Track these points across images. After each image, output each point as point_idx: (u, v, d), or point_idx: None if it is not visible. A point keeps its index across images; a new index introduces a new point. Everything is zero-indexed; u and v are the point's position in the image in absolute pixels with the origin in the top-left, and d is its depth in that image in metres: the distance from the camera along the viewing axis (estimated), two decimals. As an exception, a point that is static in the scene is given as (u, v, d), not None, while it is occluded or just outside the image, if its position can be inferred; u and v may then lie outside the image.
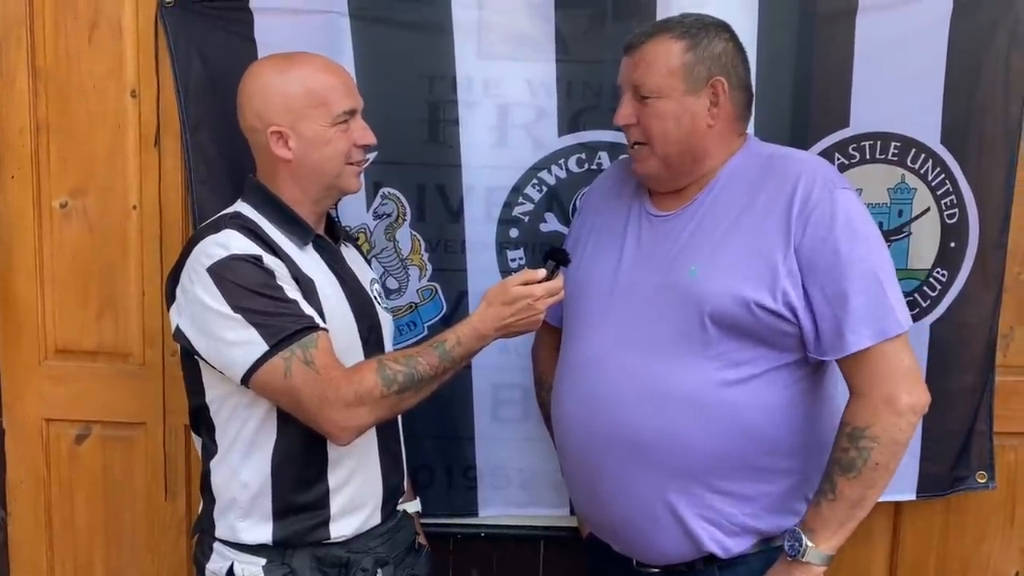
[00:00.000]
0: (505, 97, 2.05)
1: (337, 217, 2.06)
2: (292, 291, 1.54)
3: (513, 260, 2.11)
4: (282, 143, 1.60)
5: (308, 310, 1.54)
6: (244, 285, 1.49)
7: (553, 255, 1.64)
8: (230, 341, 1.49)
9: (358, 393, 1.50)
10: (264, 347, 1.48)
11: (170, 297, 1.60)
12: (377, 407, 1.53)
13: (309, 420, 1.53)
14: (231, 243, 1.53)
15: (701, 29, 1.62)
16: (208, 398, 1.61)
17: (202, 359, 1.56)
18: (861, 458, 1.51)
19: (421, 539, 1.86)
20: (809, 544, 1.53)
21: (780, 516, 1.62)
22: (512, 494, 2.19)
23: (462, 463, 2.18)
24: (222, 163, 2.08)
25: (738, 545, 1.61)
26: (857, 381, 1.54)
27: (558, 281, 1.62)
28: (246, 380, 1.51)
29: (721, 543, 1.60)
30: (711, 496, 1.59)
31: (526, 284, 1.59)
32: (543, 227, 2.10)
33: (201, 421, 1.64)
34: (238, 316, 1.48)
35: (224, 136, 2.04)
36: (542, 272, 1.61)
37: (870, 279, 1.52)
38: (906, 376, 1.53)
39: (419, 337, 2.12)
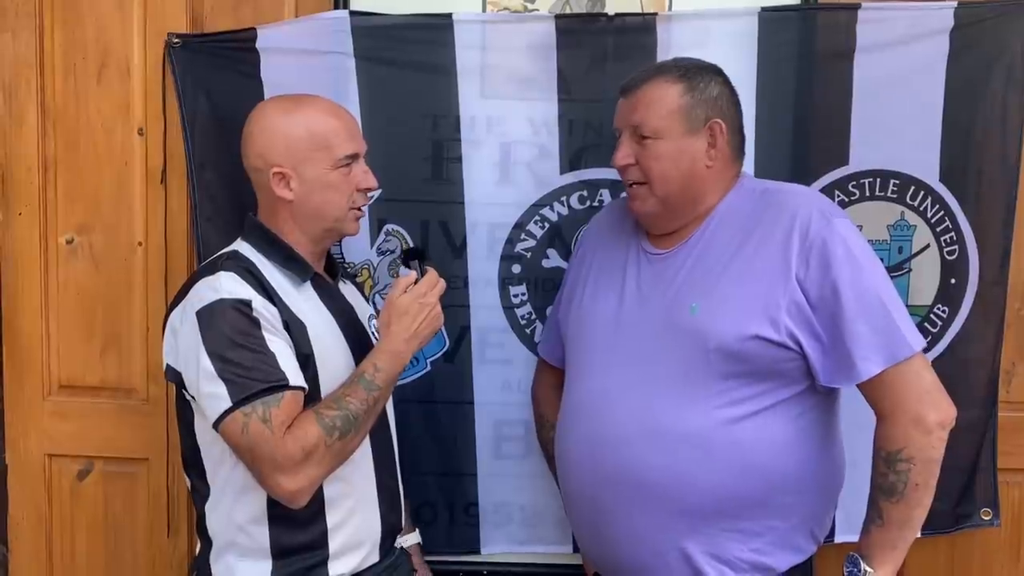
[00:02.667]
0: (508, 135, 2.08)
1: (340, 254, 2.08)
2: (275, 342, 1.53)
3: (516, 296, 2.13)
4: (283, 184, 1.62)
5: (285, 365, 1.52)
6: (226, 334, 1.50)
7: (410, 255, 1.69)
8: (203, 392, 1.51)
9: (305, 449, 1.48)
10: (228, 403, 1.48)
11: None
12: (325, 458, 1.51)
13: (261, 483, 1.52)
14: (222, 286, 1.53)
15: (697, 72, 1.65)
16: (199, 440, 1.61)
17: (192, 398, 1.57)
18: (901, 481, 1.53)
19: (427, 572, 1.87)
20: (868, 569, 1.55)
21: (785, 552, 1.62)
22: (514, 531, 2.18)
23: (464, 500, 2.17)
24: (227, 201, 2.10)
25: (745, 582, 1.61)
26: (881, 405, 1.56)
27: (432, 273, 1.65)
28: (216, 430, 1.52)
29: None
30: (719, 534, 1.59)
31: (406, 291, 1.61)
32: (545, 263, 2.12)
33: (193, 462, 1.64)
34: (213, 368, 1.49)
35: (230, 174, 2.06)
36: (413, 274, 1.64)
37: (876, 305, 1.54)
38: (929, 394, 1.55)
39: (421, 372, 2.13)
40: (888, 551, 1.56)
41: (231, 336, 1.50)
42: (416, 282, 1.63)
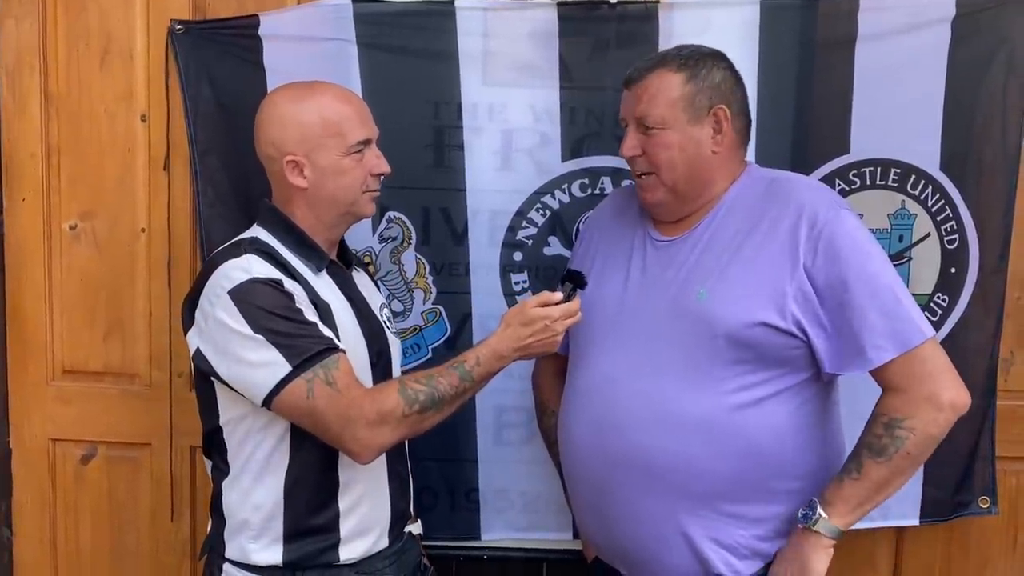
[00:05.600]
0: (509, 123, 2.08)
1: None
2: (311, 314, 1.56)
3: (517, 283, 2.13)
4: (297, 172, 1.62)
5: (327, 332, 1.56)
6: (265, 307, 1.51)
7: (570, 277, 1.66)
8: (253, 362, 1.51)
9: (380, 412, 1.52)
10: (287, 368, 1.50)
11: (187, 320, 1.61)
12: (400, 426, 1.54)
13: (333, 440, 1.54)
14: (252, 267, 1.55)
15: (699, 60, 1.66)
16: (222, 420, 1.62)
17: (221, 381, 1.57)
18: (894, 446, 1.53)
19: (425, 560, 1.87)
20: (823, 514, 1.55)
21: (786, 539, 1.62)
22: (515, 517, 2.20)
23: (465, 486, 2.18)
24: (230, 187, 2.11)
25: (748, 567, 1.62)
26: (895, 382, 1.55)
27: (575, 303, 1.63)
28: (268, 401, 1.52)
29: (731, 566, 1.61)
30: (722, 519, 1.60)
31: (543, 306, 1.60)
32: (547, 251, 2.12)
33: (214, 444, 1.65)
34: (260, 337, 1.50)
35: (233, 160, 2.07)
36: (559, 294, 1.63)
37: (886, 294, 1.55)
38: (945, 375, 1.55)
39: (423, 359, 2.14)
40: (852, 505, 1.56)
41: (271, 309, 1.52)
42: (557, 304, 1.61)
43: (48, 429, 2.27)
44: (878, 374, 1.57)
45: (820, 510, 1.56)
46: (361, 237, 2.10)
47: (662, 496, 1.60)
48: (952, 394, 1.54)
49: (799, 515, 1.58)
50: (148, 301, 2.21)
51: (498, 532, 2.21)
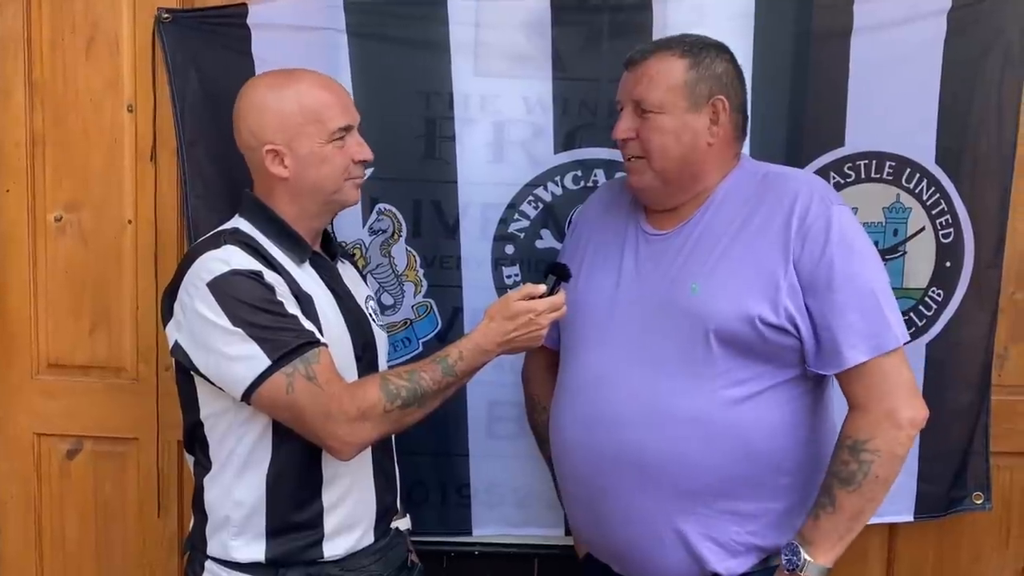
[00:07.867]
0: (501, 114, 2.06)
1: (333, 233, 2.06)
2: (292, 307, 1.53)
3: (509, 277, 2.11)
4: (278, 161, 1.60)
5: (309, 325, 1.53)
6: (245, 300, 1.49)
7: (554, 270, 1.64)
8: (231, 356, 1.49)
9: (361, 408, 1.50)
10: (267, 362, 1.48)
11: (167, 313, 1.59)
12: (381, 422, 1.52)
13: (312, 436, 1.53)
14: (232, 259, 1.52)
15: (703, 48, 1.64)
16: (203, 415, 1.60)
17: (200, 375, 1.55)
18: (861, 471, 1.52)
19: (413, 557, 1.85)
20: (807, 558, 1.54)
21: (782, 533, 1.61)
22: (506, 512, 2.18)
23: (456, 481, 2.17)
24: (218, 178, 2.08)
25: (741, 564, 1.61)
26: (857, 395, 1.56)
27: (560, 296, 1.61)
28: (247, 396, 1.50)
29: (725, 562, 1.60)
30: (715, 515, 1.59)
31: (528, 299, 1.59)
32: (539, 244, 2.11)
33: (195, 438, 1.63)
34: (239, 331, 1.48)
35: (220, 151, 2.04)
36: (543, 287, 1.61)
37: (866, 294, 1.54)
38: (906, 390, 1.55)
39: (414, 353, 2.12)
40: (833, 540, 1.54)
41: (251, 302, 1.49)
42: (541, 297, 1.60)
43: (33, 423, 2.24)
44: (844, 378, 1.56)
45: (804, 554, 1.54)
46: (351, 229, 2.08)
47: (655, 493, 1.59)
48: (911, 412, 1.54)
49: (783, 561, 1.57)
50: (135, 294, 2.19)
51: (490, 528, 2.20)
